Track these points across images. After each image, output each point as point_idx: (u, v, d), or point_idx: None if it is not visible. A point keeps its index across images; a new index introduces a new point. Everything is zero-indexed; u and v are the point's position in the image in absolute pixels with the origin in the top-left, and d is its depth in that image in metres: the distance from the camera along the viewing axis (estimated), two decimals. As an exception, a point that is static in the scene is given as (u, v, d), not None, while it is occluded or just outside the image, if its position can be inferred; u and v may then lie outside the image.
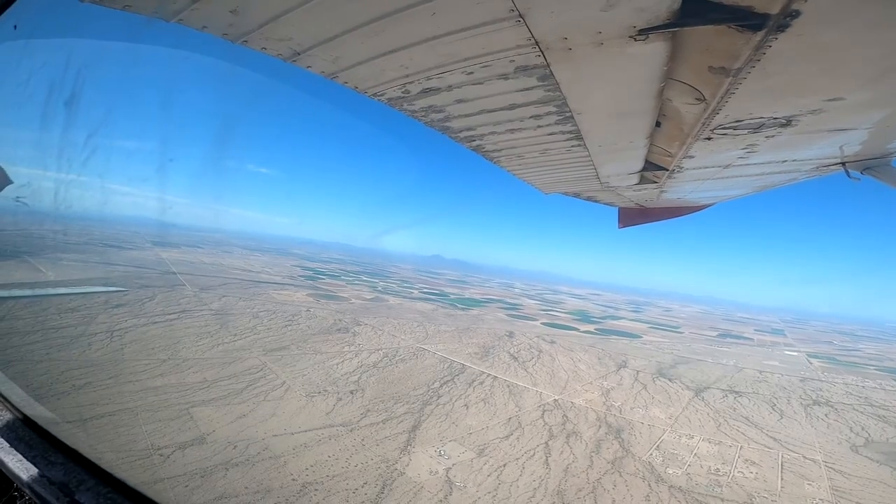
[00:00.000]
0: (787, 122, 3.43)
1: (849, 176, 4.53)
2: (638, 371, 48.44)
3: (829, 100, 3.02)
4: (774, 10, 2.05)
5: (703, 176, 5.62)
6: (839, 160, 4.50)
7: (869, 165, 4.34)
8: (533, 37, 2.63)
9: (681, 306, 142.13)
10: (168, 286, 53.85)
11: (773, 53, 2.35)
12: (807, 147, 4.23)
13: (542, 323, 74.45)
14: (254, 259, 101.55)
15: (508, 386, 38.08)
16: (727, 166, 4.94)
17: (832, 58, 2.50)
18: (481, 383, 37.73)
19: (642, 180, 5.90)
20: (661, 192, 6.47)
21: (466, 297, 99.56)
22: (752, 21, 2.19)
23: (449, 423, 29.79)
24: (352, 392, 32.80)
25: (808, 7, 1.99)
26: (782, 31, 2.16)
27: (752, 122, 3.47)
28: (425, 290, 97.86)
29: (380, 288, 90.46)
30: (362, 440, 26.40)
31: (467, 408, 32.46)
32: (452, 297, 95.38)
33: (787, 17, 2.07)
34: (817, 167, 4.97)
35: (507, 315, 77.94)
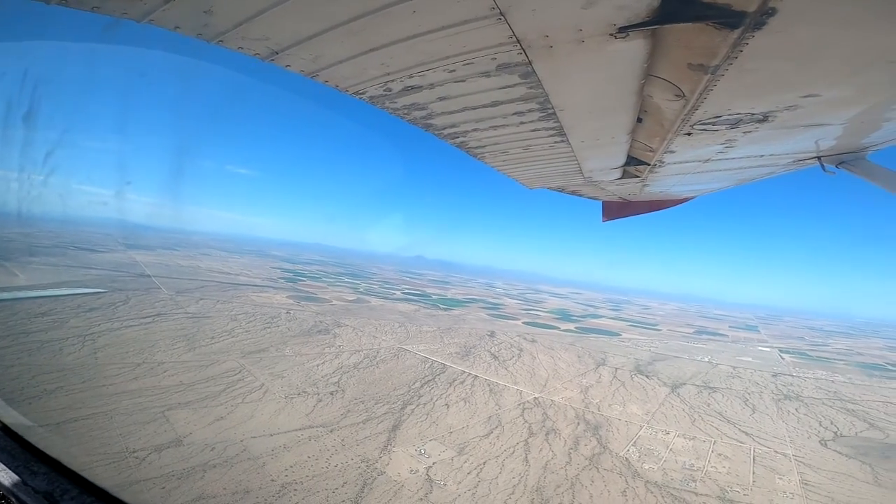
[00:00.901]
0: (764, 118, 3.55)
1: (824, 170, 4.71)
2: (616, 368, 49.30)
3: (805, 96, 3.11)
4: (751, 7, 2.09)
5: (684, 170, 5.79)
6: (815, 154, 4.66)
7: (844, 160, 4.53)
8: (514, 35, 2.66)
9: (659, 304, 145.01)
10: (142, 289, 52.65)
11: (750, 51, 2.40)
12: (783, 142, 4.38)
13: (523, 322, 75.13)
14: (232, 261, 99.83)
15: (489, 385, 38.34)
16: (707, 160, 5.10)
17: (808, 55, 2.56)
18: (462, 383, 37.91)
19: (625, 174, 6.01)
20: (644, 185, 6.60)
21: (449, 297, 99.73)
22: (729, 19, 2.23)
23: (429, 422, 29.88)
24: (332, 393, 32.62)
25: (785, 5, 2.02)
26: (759, 28, 2.20)
27: (730, 117, 3.58)
28: (407, 291, 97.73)
29: (361, 289, 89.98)
30: (342, 440, 26.32)
31: (448, 407, 32.59)
32: (435, 297, 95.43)
33: (763, 15, 2.10)
34: (794, 161, 5.14)
35: (489, 315, 78.41)
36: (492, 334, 60.01)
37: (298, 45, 2.95)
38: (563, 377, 44.34)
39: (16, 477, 2.60)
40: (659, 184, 6.61)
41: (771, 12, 2.06)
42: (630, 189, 7.07)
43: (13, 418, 3.26)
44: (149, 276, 62.58)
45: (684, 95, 3.19)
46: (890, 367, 61.16)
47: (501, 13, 2.42)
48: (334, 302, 68.39)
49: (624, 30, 2.50)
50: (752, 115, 3.47)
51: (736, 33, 2.27)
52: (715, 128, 3.78)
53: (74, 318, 38.30)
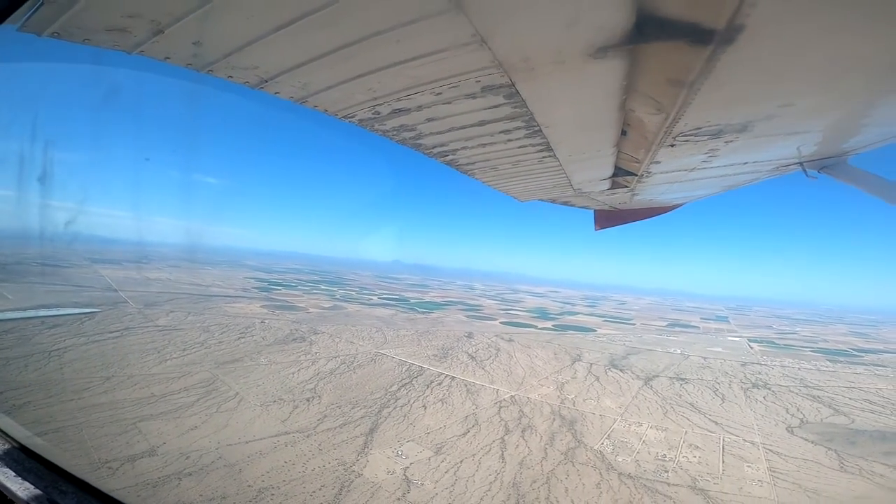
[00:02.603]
0: (744, 128, 3.67)
1: (806, 175, 4.82)
2: (591, 364, 50.20)
3: (781, 105, 3.21)
4: (720, 25, 2.17)
5: (670, 179, 5.93)
6: (797, 160, 4.78)
7: (826, 164, 4.63)
8: (496, 59, 2.75)
9: (634, 299, 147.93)
10: (109, 304, 51.12)
11: (723, 65, 2.45)
12: (765, 150, 4.51)
13: (501, 322, 75.72)
14: (204, 272, 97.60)
15: (466, 385, 38.65)
16: (692, 169, 5.24)
17: (779, 66, 2.64)
18: (439, 384, 38.13)
19: (614, 185, 6.18)
20: (633, 194, 6.78)
21: (427, 300, 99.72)
22: (700, 36, 2.31)
23: (407, 424, 30.02)
24: (308, 399, 32.44)
25: (751, 21, 2.08)
26: (729, 44, 2.27)
27: (710, 128, 3.68)
28: (385, 296, 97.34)
29: (338, 296, 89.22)
30: (319, 445, 26.26)
31: (425, 408, 32.78)
32: (412, 301, 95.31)
33: (732, 32, 2.17)
34: (776, 167, 5.29)
35: (467, 316, 78.77)
36: (469, 335, 60.35)
37: (287, 73, 3.02)
38: (539, 374, 44.89)
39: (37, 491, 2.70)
40: (647, 192, 6.82)
41: (739, 28, 2.14)
42: (620, 198, 7.26)
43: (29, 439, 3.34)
44: (115, 290, 60.78)
45: (665, 109, 3.31)
46: (854, 353, 63.58)
47: (483, 40, 2.53)
48: (310, 310, 67.70)
49: (602, 50, 2.62)
50: (732, 125, 3.63)
51: (708, 50, 2.36)
52: (697, 139, 3.92)
53: (38, 335, 37.04)
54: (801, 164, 4.79)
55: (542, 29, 2.52)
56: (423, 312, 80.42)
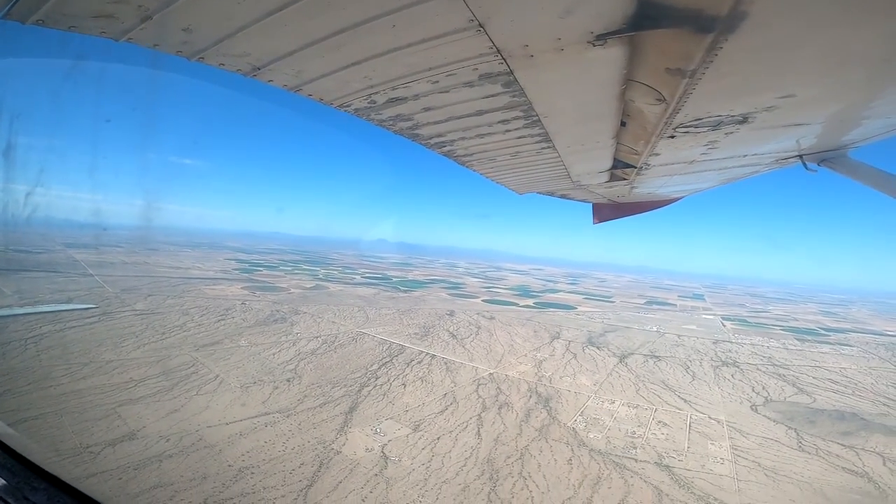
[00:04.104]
0: (744, 120, 3.61)
1: (806, 168, 4.78)
2: (570, 341, 51.28)
3: (782, 97, 3.15)
4: (723, 12, 2.12)
5: (670, 171, 5.84)
6: (797, 153, 4.74)
7: (825, 157, 4.57)
8: (494, 45, 2.70)
9: (615, 277, 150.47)
10: (84, 289, 50.30)
11: (724, 54, 2.43)
12: (765, 142, 4.46)
13: (482, 300, 76.44)
14: (183, 255, 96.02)
15: (446, 363, 39.37)
16: (692, 162, 5.20)
17: (781, 57, 2.60)
18: (420, 362, 38.79)
19: (613, 177, 6.10)
20: (632, 187, 6.68)
21: (410, 279, 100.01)
22: (702, 24, 2.28)
23: (386, 402, 30.67)
24: (288, 380, 32.88)
25: (755, 8, 2.04)
26: (731, 32, 2.24)
27: (711, 119, 3.63)
28: (368, 276, 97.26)
29: (321, 276, 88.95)
30: (299, 424, 26.79)
31: (405, 387, 33.45)
32: (395, 280, 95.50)
33: (734, 19, 2.13)
34: (776, 160, 5.24)
35: (449, 294, 79.25)
36: (451, 313, 60.96)
37: (280, 61, 2.93)
38: (518, 352, 45.73)
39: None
40: (646, 185, 6.71)
41: (742, 16, 2.10)
42: (618, 191, 7.16)
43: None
44: (91, 274, 59.67)
45: (665, 99, 3.24)
46: (822, 332, 65.69)
47: (480, 25, 2.48)
48: (292, 290, 67.54)
49: (602, 37, 2.57)
50: (732, 116, 3.59)
51: (710, 38, 2.33)
52: (697, 130, 3.89)
53: (13, 324, 36.51)
54: (800, 156, 4.80)
55: (541, 14, 2.47)
56: (406, 291, 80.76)
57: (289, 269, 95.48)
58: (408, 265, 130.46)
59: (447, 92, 3.44)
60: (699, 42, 2.36)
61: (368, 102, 3.70)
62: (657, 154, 4.70)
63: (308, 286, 73.96)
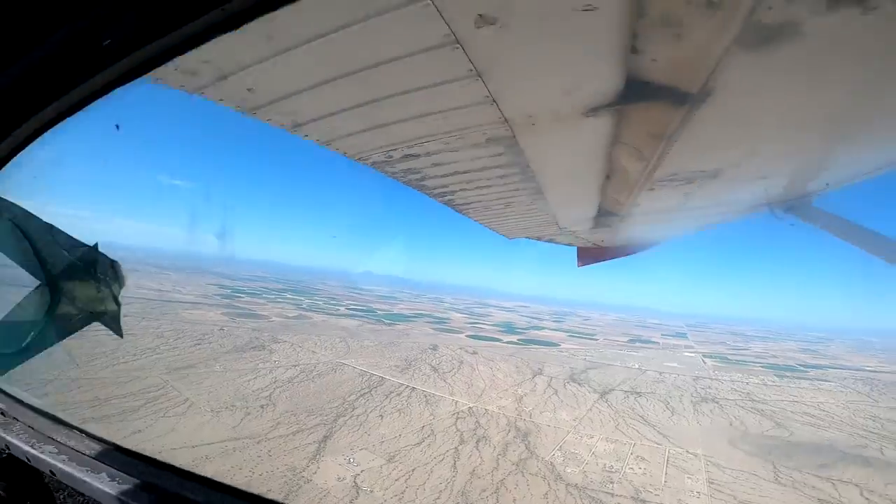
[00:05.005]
0: (716, 174, 4.13)
1: (774, 215, 5.21)
2: (552, 377, 50.97)
3: (747, 154, 3.67)
4: (695, 89, 2.58)
5: (649, 220, 6.44)
6: (765, 202, 5.19)
7: (791, 206, 4.98)
8: (503, 115, 3.10)
9: (600, 315, 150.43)
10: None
11: (697, 121, 2.84)
12: (735, 192, 5.02)
13: (467, 335, 75.94)
14: (163, 277, 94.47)
15: (426, 396, 38.88)
16: (670, 211, 5.79)
17: (744, 122, 3.06)
18: (399, 395, 38.27)
19: (597, 224, 6.61)
20: (615, 233, 7.28)
21: (395, 312, 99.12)
22: (679, 98, 2.71)
23: (362, 432, 30.13)
24: (262, 406, 32.24)
25: (720, 86, 2.46)
26: (703, 103, 2.67)
27: (686, 174, 4.12)
28: (353, 307, 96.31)
29: (304, 305, 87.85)
30: (269, 451, 26.20)
31: (382, 417, 32.93)
32: (380, 312, 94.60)
33: (704, 94, 2.57)
34: (747, 208, 5.75)
35: (434, 329, 78.75)
36: (434, 348, 60.50)
37: (319, 121, 3.31)
38: (499, 387, 45.42)
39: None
40: (628, 231, 7.24)
41: (710, 91, 2.54)
42: (602, 237, 7.70)
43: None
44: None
45: (646, 158, 3.68)
46: (801, 368, 65.84)
47: (494, 100, 2.88)
48: (273, 318, 66.59)
49: (594, 110, 2.99)
50: (705, 171, 4.11)
51: (684, 109, 2.78)
52: (674, 184, 4.35)
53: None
54: (769, 205, 5.25)
55: (546, 93, 2.92)
56: (390, 324, 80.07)
57: (272, 297, 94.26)
58: (394, 298, 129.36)
59: (456, 151, 3.89)
60: (676, 112, 2.84)
61: (385, 157, 4.13)
62: (638, 204, 5.21)
63: (291, 315, 73.02)
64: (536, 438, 32.78)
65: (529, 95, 2.96)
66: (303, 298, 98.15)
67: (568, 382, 49.30)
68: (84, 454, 2.70)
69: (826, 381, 55.93)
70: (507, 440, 31.91)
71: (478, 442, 30.96)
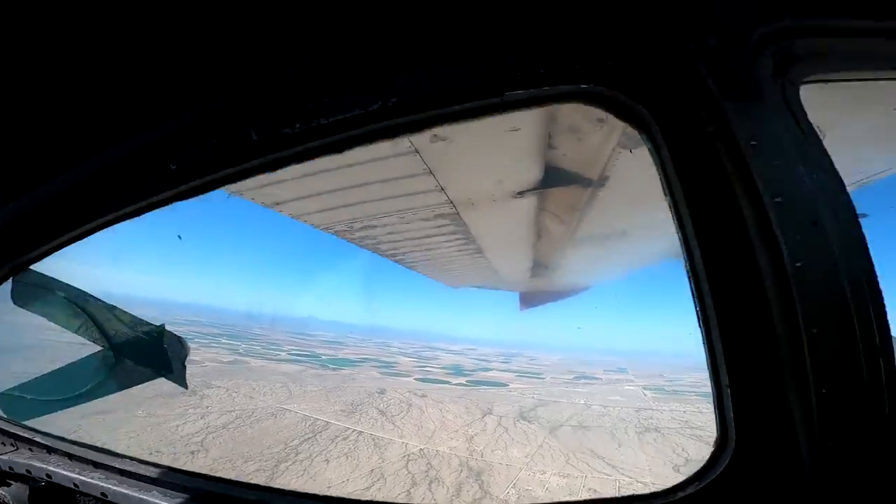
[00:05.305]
0: (624, 232, 5.28)
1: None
2: (502, 416, 50.40)
3: (644, 219, 4.71)
4: (595, 176, 3.42)
5: (578, 269, 7.74)
6: (669, 252, 6.51)
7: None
8: (449, 199, 3.96)
9: (546, 355, 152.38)
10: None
11: (601, 197, 3.77)
12: (641, 247, 6.23)
13: (415, 378, 74.19)
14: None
15: (374, 439, 37.11)
16: (594, 260, 7.06)
17: (635, 197, 3.97)
18: (345, 438, 36.26)
19: (533, 273, 7.63)
20: (550, 279, 8.30)
21: (340, 357, 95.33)
22: (585, 182, 3.55)
23: (306, 478, 28.09)
24: (193, 452, 29.37)
25: (614, 174, 3.25)
26: (602, 186, 3.62)
27: (600, 234, 5.24)
28: (295, 352, 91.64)
29: (241, 350, 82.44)
30: None
31: (328, 462, 30.95)
32: (325, 357, 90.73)
33: (603, 180, 3.43)
34: (657, 256, 7.28)
35: (381, 373, 76.36)
36: (382, 391, 58.34)
37: (295, 202, 4.11)
38: (450, 428, 44.26)
39: None
40: (562, 277, 8.34)
41: (606, 178, 3.37)
42: (538, 283, 8.80)
43: None
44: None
45: (566, 223, 4.79)
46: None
47: (442, 188, 3.76)
48: (206, 363, 61.63)
49: (521, 193, 3.90)
50: (615, 231, 5.31)
51: (590, 189, 3.71)
52: (592, 240, 5.58)
53: None
54: (673, 255, 6.85)
55: (484, 183, 3.81)
56: (335, 369, 76.92)
57: (206, 341, 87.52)
58: (339, 343, 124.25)
59: (409, 223, 4.87)
60: (584, 191, 3.89)
61: (347, 227, 5.08)
62: (565, 255, 6.49)
63: (226, 360, 68.21)
64: (490, 477, 31.98)
65: (469, 185, 3.89)
66: (239, 343, 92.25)
67: (518, 420, 48.92)
68: (133, 475, 2.83)
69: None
70: (461, 480, 30.90)
71: (430, 483, 29.74)
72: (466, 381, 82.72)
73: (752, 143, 1.27)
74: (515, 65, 1.44)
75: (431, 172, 3.41)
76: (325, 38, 1.53)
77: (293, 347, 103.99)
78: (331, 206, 4.29)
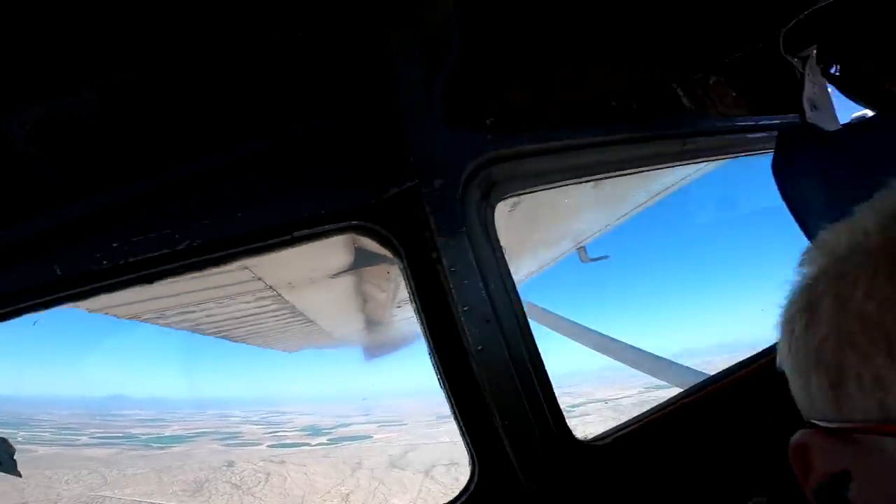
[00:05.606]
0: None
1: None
2: (373, 468, 48.24)
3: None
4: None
5: (406, 325, 8.42)
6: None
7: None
8: (269, 286, 4.29)
9: (403, 401, 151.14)
10: None
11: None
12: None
13: (268, 445, 66.38)
14: None
15: (234, 516, 31.43)
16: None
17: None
18: (196, 520, 29.92)
19: (370, 330, 8.38)
20: (385, 334, 9.07)
21: (167, 434, 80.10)
22: (391, 259, 3.71)
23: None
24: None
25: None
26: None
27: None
28: (100, 435, 73.94)
29: (20, 439, 63.30)
30: None
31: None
32: (145, 437, 75.08)
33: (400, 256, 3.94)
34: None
35: (224, 445, 66.35)
36: (230, 464, 50.54)
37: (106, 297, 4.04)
38: (320, 490, 40.79)
39: None
40: (396, 330, 9.10)
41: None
42: (376, 338, 9.70)
43: None
44: None
45: (385, 290, 5.43)
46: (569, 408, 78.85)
47: (260, 278, 4.03)
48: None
49: (337, 274, 4.29)
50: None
51: (403, 262, 4.02)
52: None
53: None
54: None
55: (301, 269, 4.02)
56: (163, 447, 64.12)
57: (-42, 436, 65.01)
58: (162, 420, 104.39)
59: (228, 307, 5.35)
60: (393, 265, 4.74)
61: (158, 315, 5.41)
62: (394, 313, 7.12)
63: (-4, 455, 51.28)
64: (381, 532, 29.76)
65: (286, 272, 4.24)
66: (16, 431, 70.66)
67: (391, 469, 47.10)
68: None
69: (589, 414, 66.81)
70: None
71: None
72: (328, 440, 76.17)
73: (452, 269, 1.70)
74: (303, 209, 1.74)
75: (246, 267, 3.52)
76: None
77: (97, 430, 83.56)
78: (137, 300, 4.32)
